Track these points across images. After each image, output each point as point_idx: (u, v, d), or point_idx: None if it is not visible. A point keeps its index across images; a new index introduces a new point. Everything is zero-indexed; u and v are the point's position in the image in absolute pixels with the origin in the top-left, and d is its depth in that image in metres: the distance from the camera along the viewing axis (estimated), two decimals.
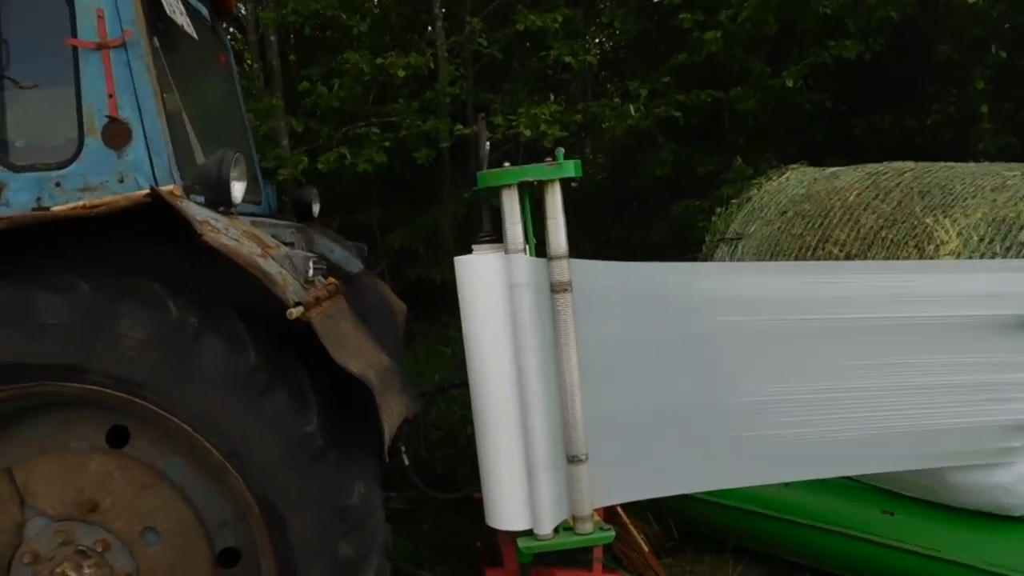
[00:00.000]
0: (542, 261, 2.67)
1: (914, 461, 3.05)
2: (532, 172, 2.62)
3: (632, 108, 6.13)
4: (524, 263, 2.62)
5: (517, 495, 2.69)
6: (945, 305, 2.95)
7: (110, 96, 2.61)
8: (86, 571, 2.61)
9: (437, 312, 6.66)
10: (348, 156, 6.48)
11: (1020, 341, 2.96)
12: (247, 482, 2.54)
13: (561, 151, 2.70)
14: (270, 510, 2.55)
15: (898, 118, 6.26)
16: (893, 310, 2.93)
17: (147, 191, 2.47)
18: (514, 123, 5.89)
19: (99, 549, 2.63)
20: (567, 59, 6.37)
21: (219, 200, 2.73)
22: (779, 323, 2.87)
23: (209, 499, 2.68)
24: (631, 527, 3.35)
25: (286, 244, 3.20)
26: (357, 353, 2.65)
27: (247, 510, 2.59)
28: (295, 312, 2.37)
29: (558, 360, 2.64)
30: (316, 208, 4.29)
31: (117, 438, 2.69)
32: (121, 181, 2.66)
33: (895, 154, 4.38)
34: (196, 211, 2.49)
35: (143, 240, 2.63)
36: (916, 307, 2.95)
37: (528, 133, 5.78)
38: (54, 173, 2.67)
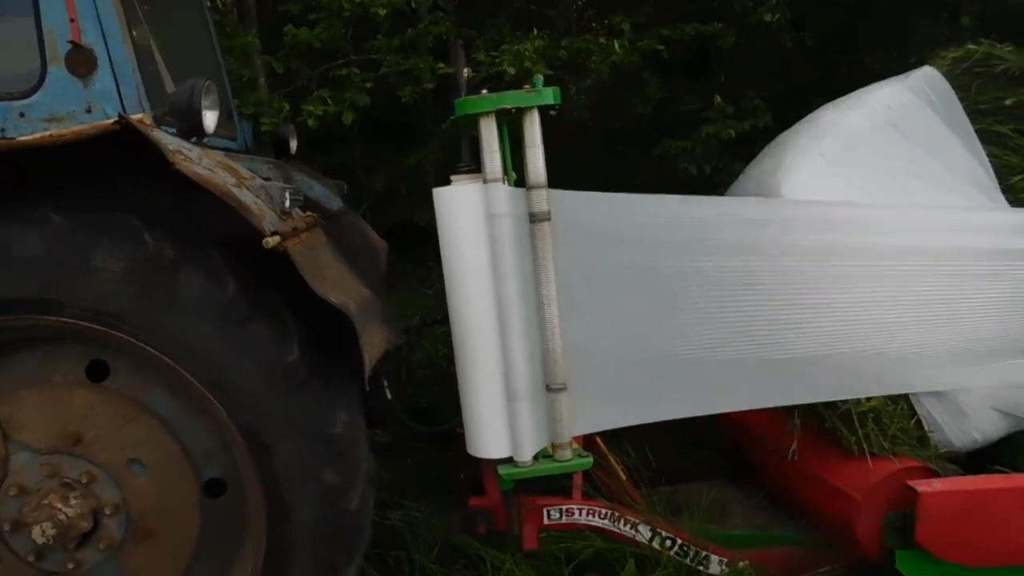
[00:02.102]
0: (521, 191, 2.66)
1: (888, 387, 3.11)
2: (510, 99, 2.59)
3: (617, 44, 6.01)
4: (503, 193, 2.61)
5: (497, 424, 2.73)
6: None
7: (72, 20, 2.53)
8: (72, 502, 2.64)
9: (421, 254, 6.63)
10: (330, 103, 6.34)
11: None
12: (230, 412, 2.56)
13: (540, 78, 2.66)
14: (254, 439, 2.58)
15: (882, 56, 6.19)
16: (876, 242, 2.97)
17: (115, 119, 2.42)
18: (497, 60, 5.78)
19: (84, 481, 2.66)
20: None
21: (191, 130, 2.68)
22: (756, 255, 2.89)
23: (193, 430, 2.70)
24: (609, 456, 3.42)
25: (264, 178, 3.16)
26: (336, 284, 2.65)
27: (231, 440, 2.62)
28: (271, 241, 2.36)
29: (537, 290, 2.65)
30: (294, 144, 4.23)
31: (98, 372, 2.69)
32: (88, 111, 2.60)
33: None
34: (168, 140, 2.45)
35: (116, 172, 2.60)
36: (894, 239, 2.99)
37: (512, 70, 5.67)
38: (17, 103, 2.61)
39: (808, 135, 3.49)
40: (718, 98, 6.03)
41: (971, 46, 4.06)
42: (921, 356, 3.07)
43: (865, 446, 3.09)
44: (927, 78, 3.70)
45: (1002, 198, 3.61)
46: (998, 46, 4.03)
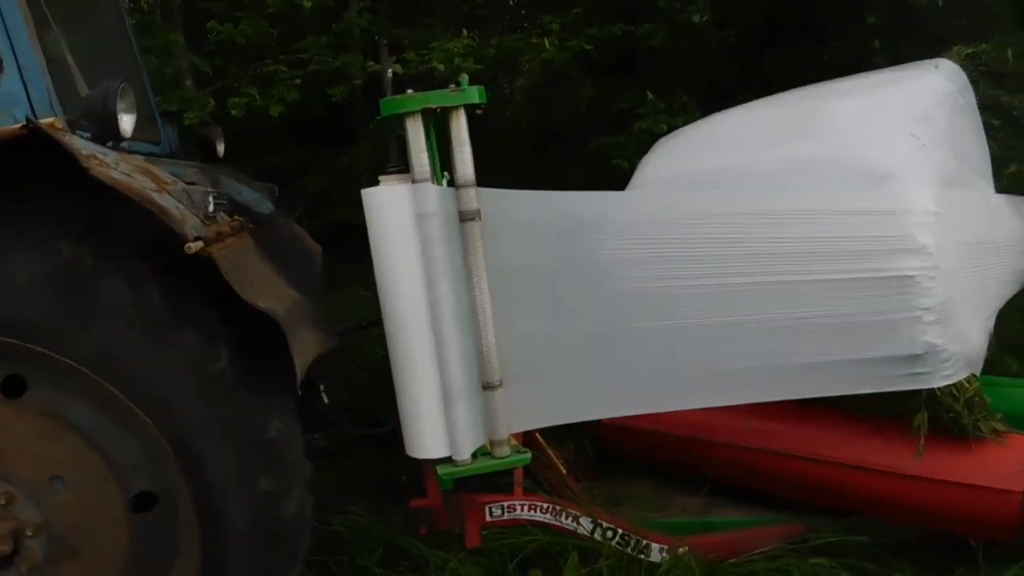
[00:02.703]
0: (450, 190, 2.66)
1: (824, 389, 3.09)
2: (435, 98, 2.58)
3: (545, 42, 6.06)
4: (431, 192, 2.60)
5: (434, 424, 2.73)
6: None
7: None
8: None
9: (358, 256, 6.55)
10: (258, 98, 6.22)
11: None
12: (158, 424, 2.50)
13: (465, 77, 2.66)
14: (184, 450, 2.51)
15: (803, 53, 6.40)
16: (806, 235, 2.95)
17: (23, 124, 2.32)
18: (427, 58, 5.76)
19: (3, 502, 2.55)
20: None
21: (107, 134, 2.59)
22: (685, 250, 2.93)
23: (119, 443, 2.61)
24: (548, 450, 3.45)
25: (188, 183, 3.08)
26: (264, 289, 2.61)
27: (160, 452, 2.55)
28: (194, 246, 2.31)
29: (469, 289, 2.66)
30: (221, 148, 4.14)
31: (14, 387, 2.58)
32: None
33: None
34: (81, 145, 2.36)
35: (29, 179, 2.49)
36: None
37: (442, 68, 5.66)
38: None
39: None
40: (650, 94, 6.14)
41: (984, 45, 4.18)
42: None
43: (984, 431, 3.00)
44: (952, 70, 3.62)
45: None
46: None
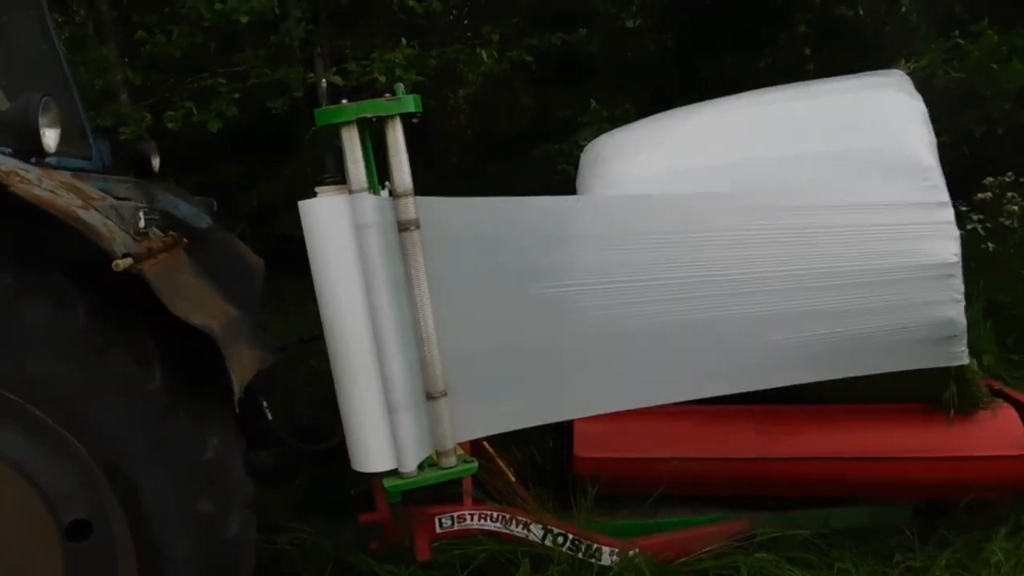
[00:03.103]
0: (388, 200, 2.64)
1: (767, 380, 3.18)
2: (370, 108, 2.57)
3: (484, 54, 6.09)
4: (368, 203, 2.58)
5: (379, 436, 2.69)
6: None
7: None
8: None
9: (304, 270, 6.46)
10: (195, 112, 6.11)
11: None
12: (89, 449, 2.41)
13: (400, 86, 2.65)
14: (118, 475, 2.43)
15: (739, 61, 6.56)
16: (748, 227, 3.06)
17: None
18: (368, 68, 5.73)
19: None
20: (411, 3, 6.22)
21: (29, 150, 2.51)
22: (626, 253, 2.97)
23: (50, 471, 2.49)
24: (496, 458, 3.45)
25: (120, 199, 3.00)
26: (199, 305, 2.55)
27: (93, 478, 2.46)
28: (122, 264, 2.24)
29: (410, 299, 2.64)
30: (156, 162, 4.04)
31: None
32: None
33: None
34: (0, 161, 2.28)
35: None
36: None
37: (383, 79, 5.64)
38: None
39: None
40: (594, 102, 6.21)
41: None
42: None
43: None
44: (903, 79, 3.73)
45: None
46: None
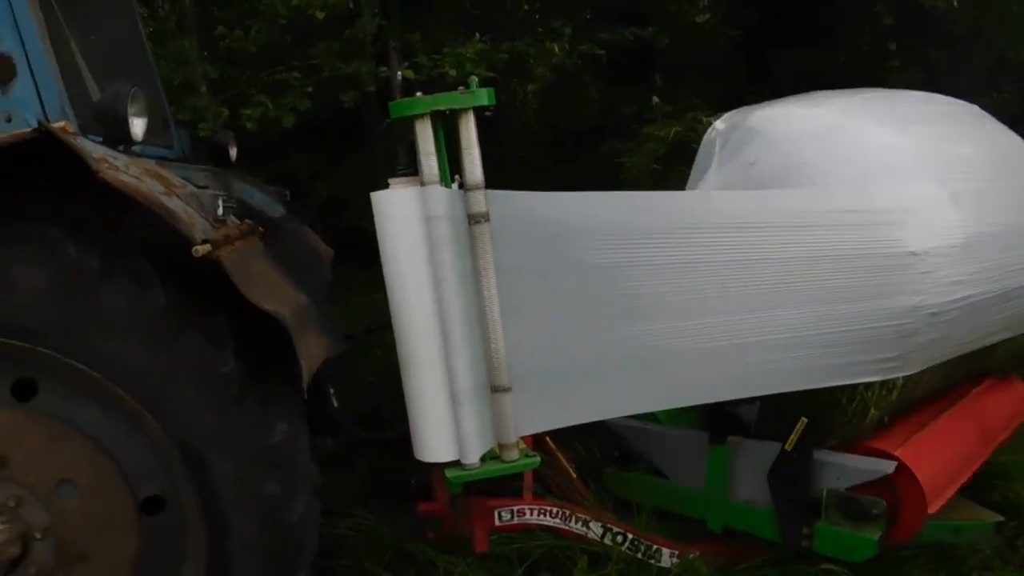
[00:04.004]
0: (459, 192, 2.64)
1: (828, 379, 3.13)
2: (444, 100, 2.57)
3: (556, 47, 6.06)
4: (440, 195, 2.59)
5: (443, 427, 2.70)
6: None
7: None
8: None
9: (371, 260, 6.56)
10: (271, 107, 6.26)
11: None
12: (165, 428, 2.50)
13: (474, 79, 2.65)
14: (191, 455, 2.51)
15: (814, 55, 6.37)
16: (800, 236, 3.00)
17: (35, 127, 2.33)
18: (439, 63, 5.77)
19: (12, 504, 2.55)
20: None
21: (118, 138, 2.61)
22: (693, 249, 2.91)
23: (127, 447, 2.61)
24: (558, 454, 3.43)
25: (199, 187, 3.09)
26: (272, 292, 2.60)
27: (168, 456, 2.55)
28: (201, 249, 2.30)
29: (478, 291, 2.64)
30: (233, 152, 4.16)
31: (24, 390, 2.59)
32: (8, 120, 2.53)
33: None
34: (91, 148, 2.37)
35: (39, 182, 2.51)
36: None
37: (454, 72, 5.67)
38: None
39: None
40: (655, 99, 6.13)
41: None
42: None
43: None
44: None
45: None
46: None
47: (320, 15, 6.06)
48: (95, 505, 2.60)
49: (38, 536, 2.56)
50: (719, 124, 3.77)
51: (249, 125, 6.10)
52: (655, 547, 3.28)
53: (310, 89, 6.32)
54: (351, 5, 6.50)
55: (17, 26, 2.52)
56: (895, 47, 5.70)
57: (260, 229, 3.21)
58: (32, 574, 2.57)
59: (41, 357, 2.44)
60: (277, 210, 3.93)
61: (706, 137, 3.81)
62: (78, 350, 2.42)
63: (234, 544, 2.56)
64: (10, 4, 2.50)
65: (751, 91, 5.05)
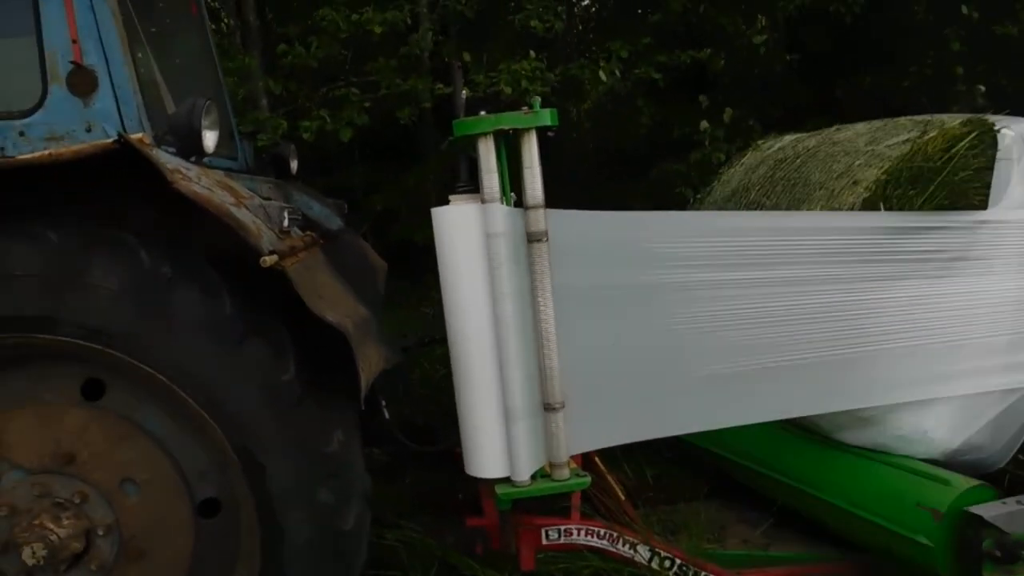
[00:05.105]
0: (518, 211, 2.67)
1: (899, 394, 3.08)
2: (507, 120, 2.60)
3: (603, 73, 6.08)
4: (500, 212, 2.61)
5: (495, 443, 2.72)
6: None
7: (74, 42, 2.56)
8: (64, 523, 2.60)
9: (420, 274, 6.66)
10: (328, 121, 6.40)
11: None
12: (225, 431, 2.55)
13: (537, 99, 2.68)
14: (248, 459, 2.56)
15: (877, 79, 6.27)
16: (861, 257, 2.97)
17: (115, 138, 2.43)
18: (495, 80, 5.84)
19: (77, 501, 2.64)
20: (534, 23, 6.30)
21: (191, 149, 2.69)
22: (748, 271, 2.89)
23: (188, 449, 2.68)
24: (607, 476, 3.40)
25: (264, 199, 3.17)
26: (333, 303, 2.65)
27: (226, 460, 2.60)
28: (269, 260, 2.36)
29: (534, 309, 2.65)
30: (294, 165, 4.25)
31: (93, 390, 2.68)
32: (88, 130, 2.62)
33: (874, 116, 4.38)
34: (166, 159, 2.46)
35: (115, 191, 2.61)
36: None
37: (509, 90, 5.73)
38: (17, 122, 2.63)
39: None
40: (704, 123, 6.09)
41: None
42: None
43: None
44: None
45: None
46: None
47: (378, 29, 6.18)
48: (155, 504, 2.66)
49: (100, 532, 2.64)
50: (1008, 131, 3.27)
51: (307, 136, 6.24)
52: (703, 573, 3.22)
53: (367, 104, 6.45)
54: (408, 21, 6.62)
55: (102, 41, 2.63)
56: (962, 71, 5.57)
57: (321, 241, 3.28)
58: (93, 569, 2.65)
59: (110, 359, 2.53)
60: (335, 222, 4.01)
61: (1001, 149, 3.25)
62: (146, 353, 2.49)
63: (287, 550, 2.60)
64: (95, 20, 2.61)
65: (817, 113, 5.00)
